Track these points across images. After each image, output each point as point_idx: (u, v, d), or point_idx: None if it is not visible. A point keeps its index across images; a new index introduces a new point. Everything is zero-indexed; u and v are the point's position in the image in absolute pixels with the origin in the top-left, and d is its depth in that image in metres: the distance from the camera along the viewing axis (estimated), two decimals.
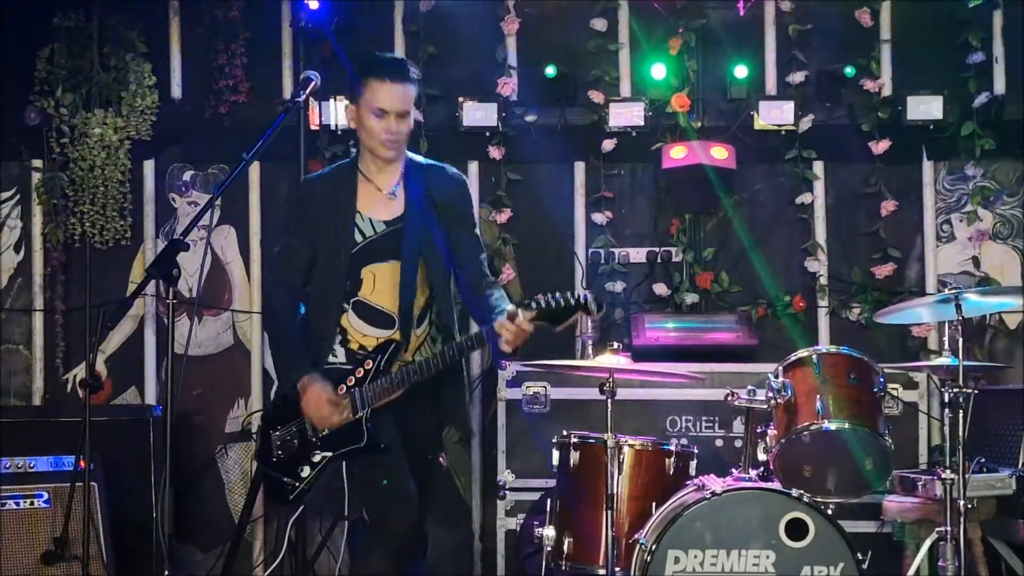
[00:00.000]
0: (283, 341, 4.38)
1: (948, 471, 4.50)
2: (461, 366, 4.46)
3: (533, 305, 4.08)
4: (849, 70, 6.20)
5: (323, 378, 4.22)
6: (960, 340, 4.48)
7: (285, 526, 5.58)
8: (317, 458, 4.26)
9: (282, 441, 4.32)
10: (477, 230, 4.51)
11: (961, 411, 4.44)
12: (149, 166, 6.29)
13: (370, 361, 4.24)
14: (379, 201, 4.35)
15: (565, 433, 4.76)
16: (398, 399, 4.24)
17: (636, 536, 4.43)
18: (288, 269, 4.40)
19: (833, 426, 4.45)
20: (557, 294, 4.08)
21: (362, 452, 4.23)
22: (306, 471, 4.26)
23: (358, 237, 4.32)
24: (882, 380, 4.58)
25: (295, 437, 4.30)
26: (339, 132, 6.08)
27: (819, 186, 6.27)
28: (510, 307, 4.12)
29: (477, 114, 6.14)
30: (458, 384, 4.47)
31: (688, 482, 4.59)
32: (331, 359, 4.32)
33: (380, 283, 4.32)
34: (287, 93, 6.22)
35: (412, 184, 4.39)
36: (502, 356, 5.67)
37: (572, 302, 4.06)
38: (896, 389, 5.46)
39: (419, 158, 4.51)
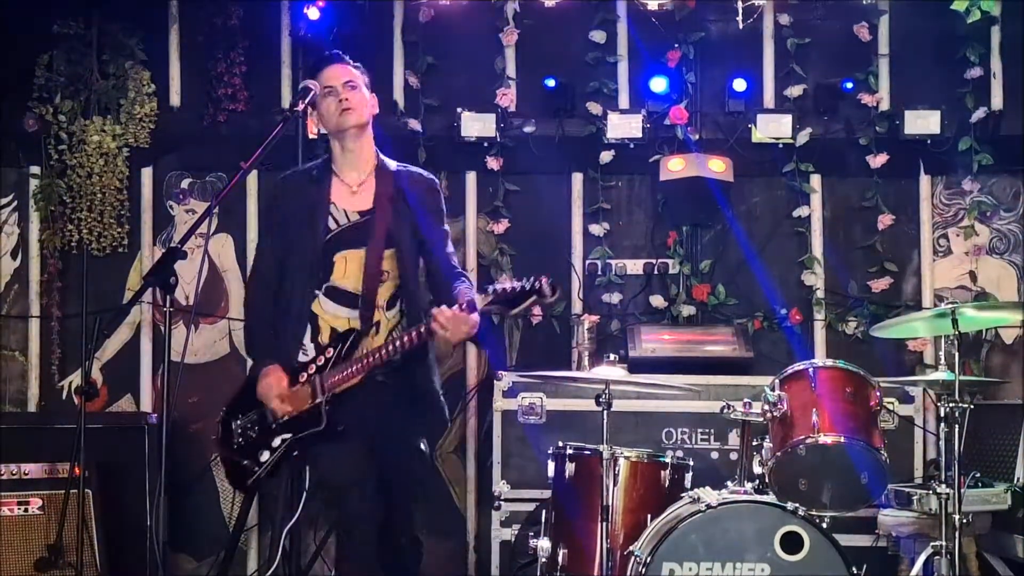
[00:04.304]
0: (255, 334, 4.58)
1: (944, 485, 4.51)
2: (428, 356, 4.55)
3: (489, 290, 4.27)
4: (847, 84, 6.21)
5: (281, 370, 4.41)
6: (956, 355, 4.49)
7: (279, 535, 5.57)
8: (276, 442, 4.40)
9: (243, 429, 4.48)
10: (445, 225, 4.67)
11: (957, 425, 4.45)
12: (147, 174, 6.29)
13: (331, 350, 4.40)
14: (351, 194, 4.54)
15: (561, 444, 4.77)
16: (366, 389, 4.37)
17: (631, 548, 4.43)
18: (265, 269, 4.59)
19: (829, 440, 4.46)
20: (514, 281, 4.24)
21: (321, 436, 4.34)
22: (265, 455, 4.42)
23: (332, 225, 4.49)
24: (878, 394, 4.58)
25: (256, 424, 4.45)
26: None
27: (816, 199, 6.28)
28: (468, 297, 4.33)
29: (475, 125, 6.15)
30: (425, 371, 4.55)
31: (683, 494, 4.59)
32: (301, 358, 4.45)
33: (350, 267, 4.48)
34: (286, 102, 6.22)
35: (382, 180, 4.57)
36: (500, 366, 5.71)
37: (527, 287, 4.18)
38: (892, 403, 5.46)
39: (391, 162, 4.66)
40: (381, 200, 4.51)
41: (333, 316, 4.46)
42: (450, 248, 4.62)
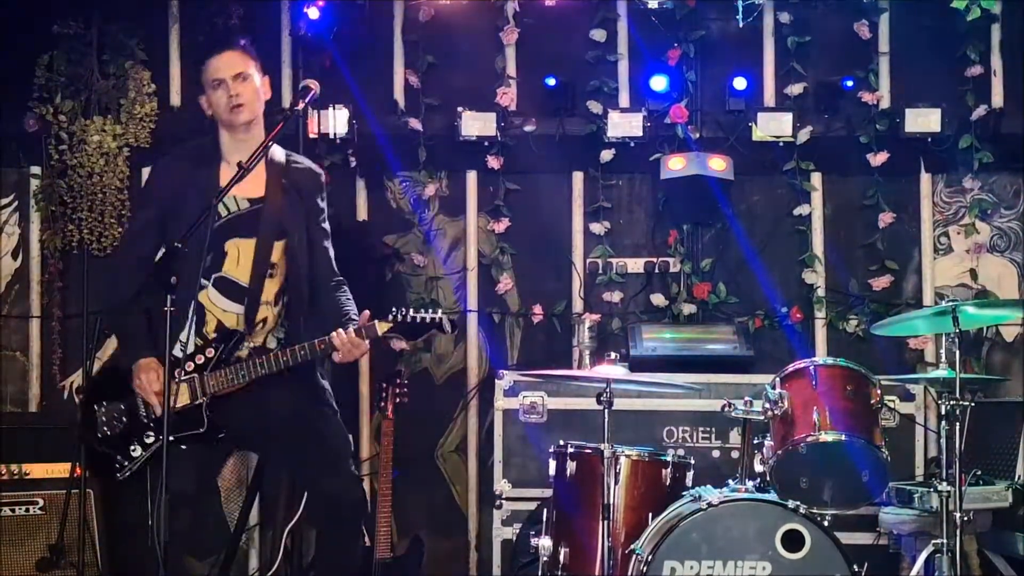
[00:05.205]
0: (129, 319, 4.30)
1: (944, 483, 4.51)
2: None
3: (389, 318, 4.30)
4: (848, 82, 6.21)
5: (160, 365, 4.19)
6: (957, 352, 4.49)
7: (281, 534, 5.57)
8: (151, 439, 4.28)
9: (108, 417, 4.32)
10: (326, 224, 4.58)
11: (958, 423, 4.45)
12: (147, 173, 6.28)
13: (212, 349, 4.29)
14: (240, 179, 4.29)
15: (562, 443, 4.77)
16: (251, 393, 4.30)
17: (632, 547, 4.44)
18: (141, 248, 4.40)
19: (830, 438, 4.46)
20: (414, 311, 4.30)
21: (202, 438, 4.26)
22: (138, 451, 4.29)
23: (223, 211, 4.34)
24: (879, 392, 4.58)
25: (124, 415, 4.31)
26: (337, 141, 6.08)
27: (817, 198, 6.27)
28: (357, 320, 4.31)
29: (476, 124, 6.14)
30: (310, 367, 4.48)
31: (685, 493, 4.60)
32: (177, 352, 4.24)
33: (243, 258, 4.36)
34: (286, 102, 6.20)
35: (272, 168, 4.45)
36: (501, 364, 5.71)
37: (427, 320, 4.30)
38: (893, 401, 5.45)
39: (278, 149, 4.53)
40: (272, 189, 4.40)
41: (222, 310, 4.36)
42: (330, 250, 4.55)
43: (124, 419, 4.31)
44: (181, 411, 4.20)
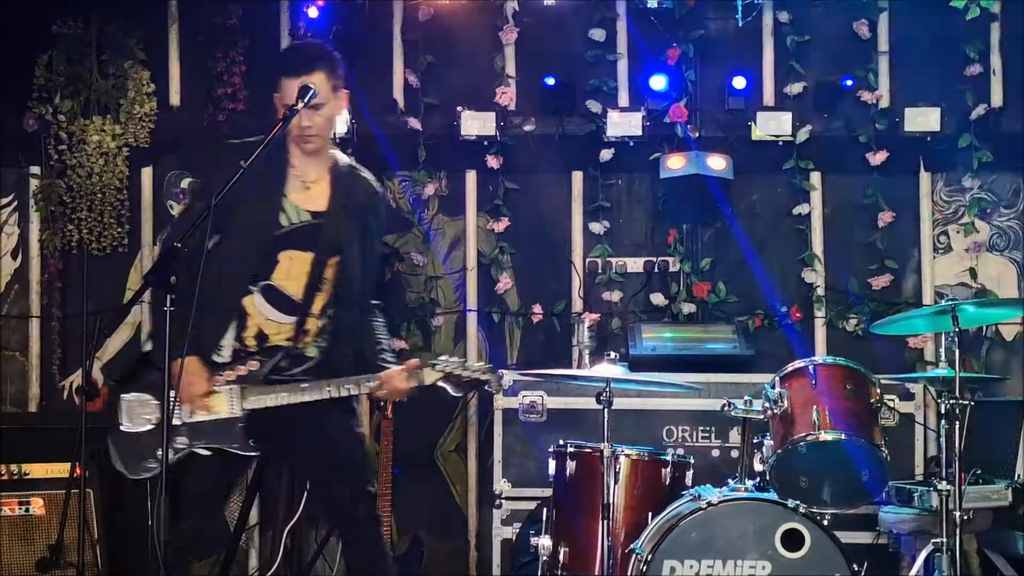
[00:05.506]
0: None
1: (944, 482, 4.51)
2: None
3: (439, 368, 4.24)
4: (847, 81, 6.21)
5: (204, 369, 4.08)
6: (956, 351, 4.49)
7: (281, 534, 5.57)
8: (180, 444, 4.13)
9: (137, 412, 4.18)
10: (379, 244, 4.50)
11: (957, 422, 4.45)
12: (147, 173, 6.29)
13: (256, 362, 4.19)
14: (304, 189, 4.27)
15: (561, 442, 4.77)
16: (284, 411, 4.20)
17: (632, 546, 4.44)
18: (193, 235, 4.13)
19: (829, 437, 4.46)
20: (466, 364, 4.25)
21: (236, 452, 4.16)
22: (169, 454, 4.05)
23: (284, 221, 4.23)
24: (878, 391, 4.59)
25: (153, 412, 4.17)
26: (336, 140, 6.06)
27: (816, 197, 6.27)
28: (396, 366, 4.25)
29: (475, 123, 6.14)
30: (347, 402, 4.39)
31: (684, 492, 4.60)
32: (215, 357, 4.17)
33: (295, 270, 4.23)
34: None
35: (338, 180, 4.34)
36: (500, 364, 5.70)
37: (476, 380, 4.25)
38: (892, 400, 5.44)
39: (344, 158, 4.44)
40: (335, 205, 4.28)
41: (265, 318, 4.21)
42: (374, 269, 4.44)
43: (153, 417, 4.16)
44: (214, 422, 4.14)
